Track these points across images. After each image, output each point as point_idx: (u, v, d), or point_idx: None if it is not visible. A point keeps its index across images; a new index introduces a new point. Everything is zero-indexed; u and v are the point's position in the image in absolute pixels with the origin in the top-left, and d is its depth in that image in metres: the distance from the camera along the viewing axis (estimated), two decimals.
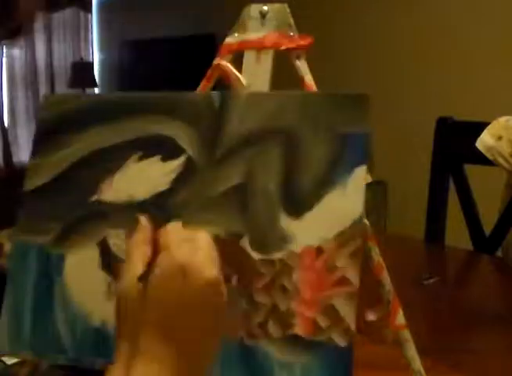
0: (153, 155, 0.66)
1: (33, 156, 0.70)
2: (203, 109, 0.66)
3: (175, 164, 0.65)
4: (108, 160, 0.67)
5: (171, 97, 0.68)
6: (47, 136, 0.70)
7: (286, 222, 0.61)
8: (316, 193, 0.60)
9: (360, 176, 0.60)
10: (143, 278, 0.53)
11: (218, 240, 0.59)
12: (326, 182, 0.61)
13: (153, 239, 0.56)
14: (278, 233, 0.60)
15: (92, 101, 0.71)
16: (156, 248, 0.56)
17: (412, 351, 0.67)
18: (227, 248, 0.60)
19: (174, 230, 0.56)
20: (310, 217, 0.60)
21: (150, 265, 0.54)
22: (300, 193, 0.61)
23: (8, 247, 1.03)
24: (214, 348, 0.56)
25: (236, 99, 0.65)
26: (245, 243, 0.61)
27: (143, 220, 0.58)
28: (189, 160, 0.65)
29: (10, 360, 0.83)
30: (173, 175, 0.65)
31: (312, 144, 0.62)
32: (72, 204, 0.67)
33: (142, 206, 0.64)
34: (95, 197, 0.66)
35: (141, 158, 0.66)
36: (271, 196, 0.61)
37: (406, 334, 0.67)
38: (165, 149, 0.65)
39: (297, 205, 0.61)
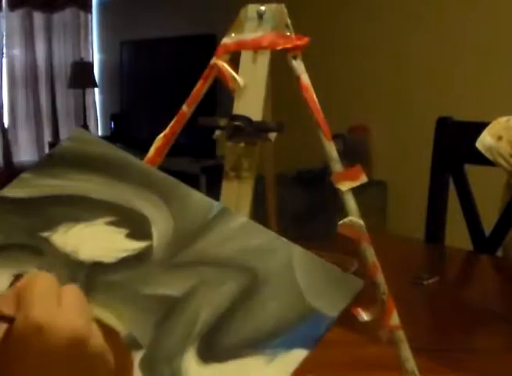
0: (121, 227, 0.62)
1: (29, 170, 0.69)
2: (195, 211, 0.62)
3: (134, 246, 0.61)
4: (82, 210, 0.65)
5: (179, 187, 0.64)
6: (53, 162, 0.69)
7: (189, 361, 0.53)
8: (240, 350, 0.54)
9: (295, 360, 0.52)
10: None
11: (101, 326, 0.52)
12: (257, 344, 0.53)
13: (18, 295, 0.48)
14: (175, 367, 0.53)
15: (110, 154, 0.68)
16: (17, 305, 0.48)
17: (406, 351, 0.67)
18: (108, 338, 0.52)
19: (39, 282, 0.48)
20: (216, 369, 0.53)
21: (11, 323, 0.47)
22: (224, 342, 0.54)
23: None
24: None
25: (230, 220, 0.61)
26: (137, 355, 0.54)
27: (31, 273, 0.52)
28: (148, 248, 0.60)
29: None
30: (124, 254, 0.60)
31: (273, 299, 0.56)
32: (24, 228, 0.65)
33: (75, 265, 0.60)
34: (46, 234, 0.64)
35: (109, 223, 0.62)
36: (195, 327, 0.55)
37: (401, 335, 0.67)
38: (136, 227, 0.62)
39: (213, 352, 0.54)
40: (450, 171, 1.65)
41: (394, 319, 0.66)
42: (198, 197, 0.65)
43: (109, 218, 0.63)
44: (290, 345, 0.53)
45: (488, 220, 1.58)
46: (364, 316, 0.66)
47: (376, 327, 0.66)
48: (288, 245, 0.59)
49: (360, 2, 3.36)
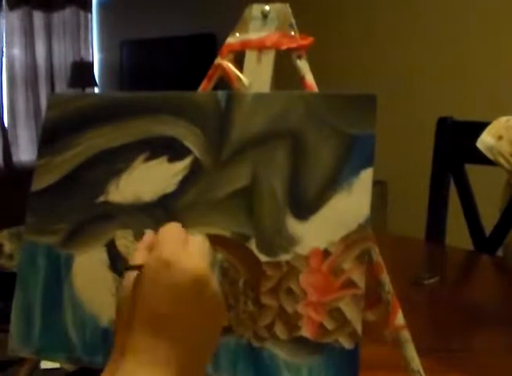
0: (159, 156, 0.66)
1: (39, 156, 0.70)
2: (209, 109, 0.66)
3: (182, 166, 0.65)
4: (114, 161, 0.67)
5: (177, 97, 0.67)
6: (53, 137, 0.70)
7: (292, 225, 0.60)
8: (323, 195, 0.60)
9: (367, 178, 0.60)
10: (133, 268, 0.54)
11: (224, 242, 0.59)
12: (333, 184, 0.60)
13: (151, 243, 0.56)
14: (284, 235, 0.60)
15: (98, 101, 0.70)
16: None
17: (411, 351, 0.67)
18: (234, 250, 0.60)
19: (169, 230, 0.55)
20: (316, 219, 0.60)
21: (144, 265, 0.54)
22: (306, 196, 0.61)
23: (8, 246, 1.03)
24: (210, 346, 0.55)
25: (242, 99, 0.65)
26: (252, 245, 0.61)
27: (148, 232, 0.59)
28: (195, 161, 0.64)
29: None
30: (179, 177, 0.65)
31: (318, 145, 0.62)
32: (79, 205, 0.67)
33: (149, 207, 0.64)
34: (102, 198, 0.66)
35: (147, 159, 0.66)
36: (277, 198, 0.61)
37: (406, 335, 0.67)
38: (171, 150, 0.65)
39: (304, 207, 0.61)
40: (450, 170, 1.65)
41: (399, 318, 0.66)
42: (201, 95, 0.67)
43: (142, 156, 0.65)
44: (355, 170, 0.60)
45: (489, 220, 1.58)
46: (369, 315, 0.66)
47: (381, 326, 0.67)
48: (303, 96, 0.64)
49: (362, 3, 3.36)
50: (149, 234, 0.58)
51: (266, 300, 0.60)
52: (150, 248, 0.55)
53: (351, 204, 0.59)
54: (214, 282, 0.53)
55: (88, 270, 0.66)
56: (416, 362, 0.67)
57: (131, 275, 0.54)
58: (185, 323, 0.52)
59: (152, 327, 0.51)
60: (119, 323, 0.54)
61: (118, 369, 0.51)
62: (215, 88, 0.72)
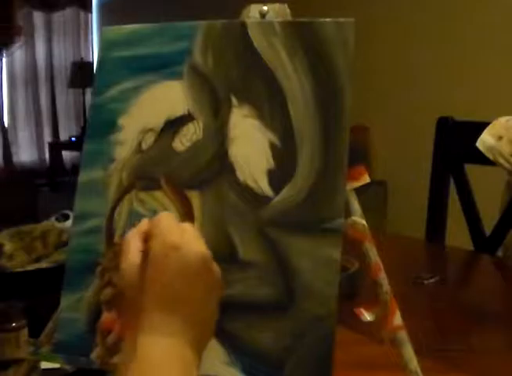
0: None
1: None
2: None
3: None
4: None
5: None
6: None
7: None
8: None
9: None
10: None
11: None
12: None
13: (147, 232, 0.59)
14: None
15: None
16: (148, 237, 0.58)
17: (409, 351, 0.67)
18: None
19: (166, 219, 0.59)
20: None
21: (145, 252, 0.57)
22: None
23: (8, 247, 1.03)
24: (213, 318, 0.59)
25: None
26: None
27: (144, 220, 0.61)
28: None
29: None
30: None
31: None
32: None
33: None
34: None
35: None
36: None
37: (404, 335, 0.67)
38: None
39: None
40: (450, 171, 1.65)
41: (397, 319, 0.66)
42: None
43: None
44: None
45: (489, 220, 1.58)
46: (367, 316, 0.66)
47: (379, 326, 0.66)
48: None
49: (362, 3, 3.36)
50: (144, 223, 0.60)
51: None
52: (146, 237, 0.58)
53: None
54: (215, 265, 0.58)
55: None
56: (413, 362, 0.67)
57: (133, 263, 0.56)
58: (194, 298, 0.57)
59: (166, 305, 0.55)
60: (122, 307, 0.58)
61: (137, 344, 0.54)
62: None
